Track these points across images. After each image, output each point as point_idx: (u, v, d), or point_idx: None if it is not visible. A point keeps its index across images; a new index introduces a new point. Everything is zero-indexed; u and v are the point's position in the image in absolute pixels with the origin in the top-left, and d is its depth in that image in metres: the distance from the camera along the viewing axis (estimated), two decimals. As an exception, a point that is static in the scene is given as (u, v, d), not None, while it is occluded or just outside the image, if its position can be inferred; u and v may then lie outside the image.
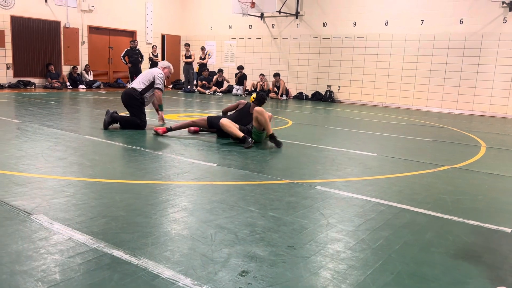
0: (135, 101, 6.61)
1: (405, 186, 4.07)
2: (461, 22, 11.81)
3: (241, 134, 5.72)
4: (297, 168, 4.65)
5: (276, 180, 4.04)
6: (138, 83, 6.70)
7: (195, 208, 3.16)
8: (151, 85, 6.66)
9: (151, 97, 6.78)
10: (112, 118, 6.49)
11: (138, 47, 14.46)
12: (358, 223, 3.01)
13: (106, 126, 6.43)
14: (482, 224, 3.09)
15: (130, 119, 6.64)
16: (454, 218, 3.20)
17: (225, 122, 5.84)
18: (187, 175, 4.13)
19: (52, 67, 14.38)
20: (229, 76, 16.44)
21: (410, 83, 12.90)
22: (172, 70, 7.19)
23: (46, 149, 4.94)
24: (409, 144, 6.50)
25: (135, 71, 13.74)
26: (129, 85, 6.81)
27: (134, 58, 13.95)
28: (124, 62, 14.20)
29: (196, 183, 3.88)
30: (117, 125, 6.68)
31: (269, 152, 5.41)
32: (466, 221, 3.15)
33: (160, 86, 6.68)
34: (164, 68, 6.96)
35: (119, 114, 6.79)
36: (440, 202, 3.60)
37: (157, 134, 6.16)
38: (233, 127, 5.79)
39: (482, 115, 11.65)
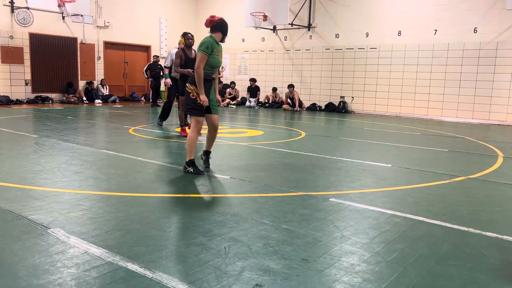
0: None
1: (421, 197, 4.02)
2: (475, 31, 11.72)
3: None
4: (311, 180, 4.63)
5: (290, 192, 4.04)
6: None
7: (208, 221, 3.18)
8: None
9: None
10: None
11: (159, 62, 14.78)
12: (373, 235, 2.98)
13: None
14: (500, 236, 3.03)
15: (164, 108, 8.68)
16: (471, 230, 3.15)
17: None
18: (201, 188, 4.16)
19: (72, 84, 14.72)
20: (243, 88, 16.54)
21: (424, 92, 12.80)
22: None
23: (63, 163, 5.02)
24: (424, 155, 6.43)
25: (156, 85, 14.41)
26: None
27: (155, 72, 14.32)
28: (146, 76, 14.60)
29: (210, 195, 3.90)
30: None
31: (282, 164, 5.42)
32: (484, 233, 3.09)
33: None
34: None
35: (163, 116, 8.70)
36: (457, 213, 3.55)
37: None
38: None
39: (499, 124, 11.46)
